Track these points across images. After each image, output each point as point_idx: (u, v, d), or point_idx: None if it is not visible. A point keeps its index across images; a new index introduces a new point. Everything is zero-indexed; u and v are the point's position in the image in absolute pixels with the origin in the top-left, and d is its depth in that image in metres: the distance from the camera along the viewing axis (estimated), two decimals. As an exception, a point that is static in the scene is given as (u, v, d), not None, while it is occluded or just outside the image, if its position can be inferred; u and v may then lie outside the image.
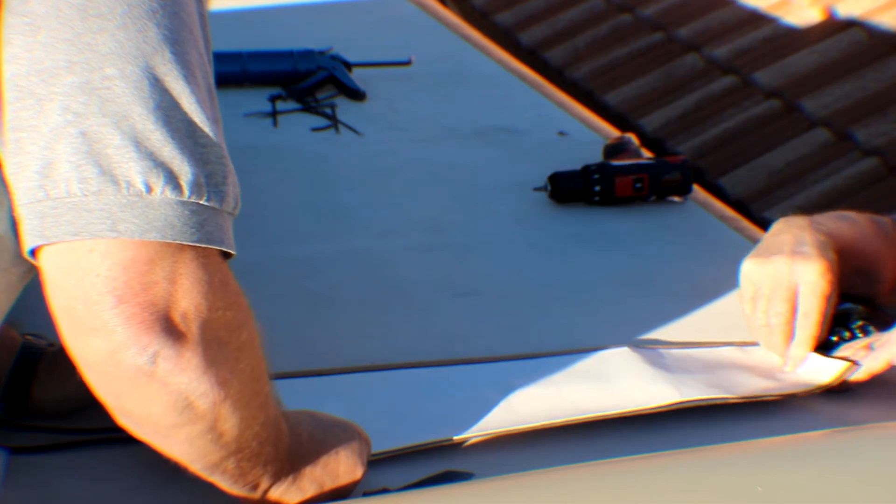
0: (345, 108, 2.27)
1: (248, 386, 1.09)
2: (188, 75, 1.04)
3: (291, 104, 2.29)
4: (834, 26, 3.59)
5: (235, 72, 2.32)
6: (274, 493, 1.18)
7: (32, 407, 1.37)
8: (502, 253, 1.83)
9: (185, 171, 1.03)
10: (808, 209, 2.91)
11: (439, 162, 2.11)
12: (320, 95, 2.31)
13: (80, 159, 1.01)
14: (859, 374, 1.47)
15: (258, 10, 2.78)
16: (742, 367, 1.51)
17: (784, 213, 3.03)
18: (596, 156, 2.03)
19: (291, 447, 1.19)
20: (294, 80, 2.33)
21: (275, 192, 1.98)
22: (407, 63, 2.43)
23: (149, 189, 1.02)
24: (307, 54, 2.36)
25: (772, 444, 1.30)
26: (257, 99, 2.29)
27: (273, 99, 2.29)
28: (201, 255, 1.04)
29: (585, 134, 2.22)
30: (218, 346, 1.05)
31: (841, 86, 3.35)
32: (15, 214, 1.05)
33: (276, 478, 1.18)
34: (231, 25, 2.52)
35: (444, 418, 1.39)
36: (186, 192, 1.03)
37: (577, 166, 1.96)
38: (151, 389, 1.04)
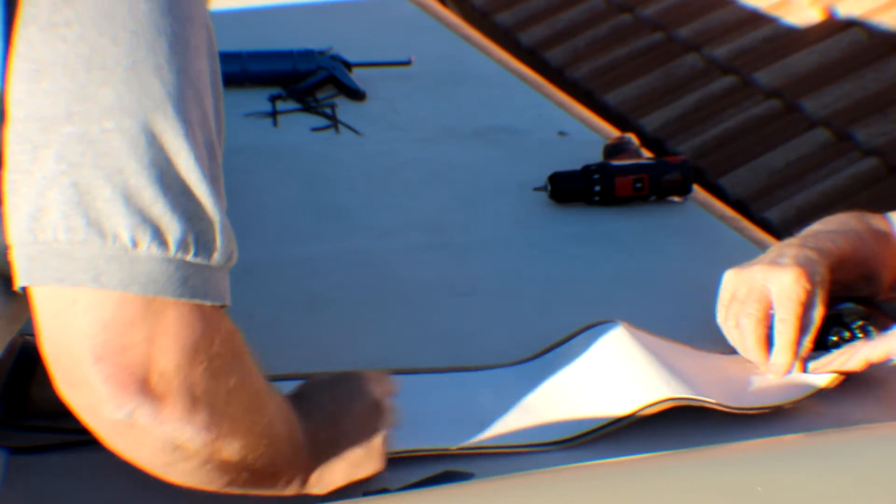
0: (345, 108, 2.27)
1: (242, 421, 1.10)
2: (188, 133, 1.05)
3: (291, 104, 2.29)
4: (834, 26, 3.59)
5: (235, 72, 2.32)
6: (302, 487, 1.20)
7: (32, 407, 1.37)
8: (502, 253, 1.83)
9: (173, 229, 1.04)
10: (808, 209, 2.92)
11: (439, 162, 2.11)
12: (320, 95, 2.31)
13: (70, 209, 1.02)
14: (856, 363, 1.47)
15: (258, 10, 2.78)
16: (732, 372, 1.51)
17: (784, 213, 3.03)
18: (596, 156, 2.03)
19: (313, 443, 1.21)
20: (294, 80, 2.33)
21: (275, 192, 1.98)
22: (407, 63, 2.43)
23: (135, 244, 1.02)
24: (307, 54, 2.36)
25: (772, 444, 1.30)
26: (257, 99, 2.29)
27: (273, 99, 2.29)
28: (184, 310, 1.05)
29: (585, 134, 2.22)
30: (205, 395, 1.06)
31: (841, 86, 3.35)
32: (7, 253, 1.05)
33: (303, 472, 1.20)
34: (231, 25, 2.51)
35: (442, 425, 1.39)
36: (172, 248, 1.04)
37: (577, 166, 1.96)
38: (135, 437, 1.06)
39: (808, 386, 1.47)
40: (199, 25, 1.08)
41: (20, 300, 1.08)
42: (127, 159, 1.02)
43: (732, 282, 1.54)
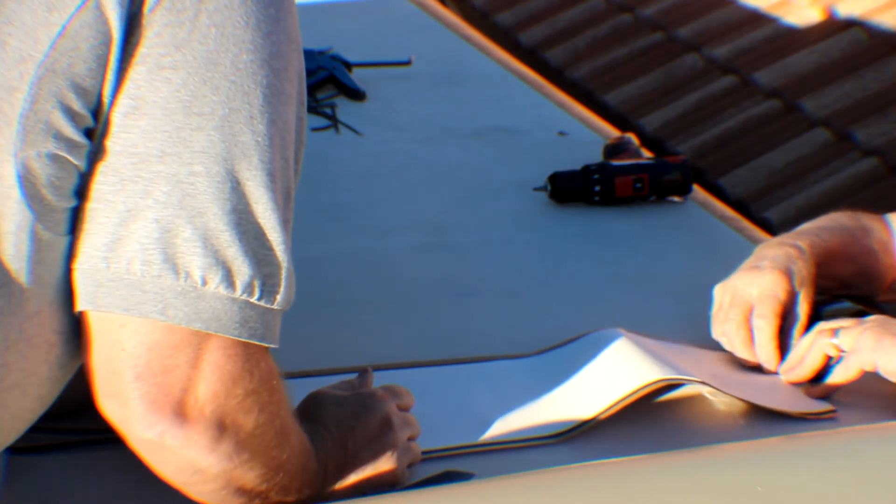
0: (345, 108, 2.27)
1: (264, 455, 1.13)
2: (269, 182, 1.09)
3: (291, 104, 2.28)
4: (834, 26, 3.59)
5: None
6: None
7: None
8: (502, 253, 1.83)
9: (242, 273, 1.08)
10: (808, 209, 2.92)
11: (439, 162, 2.11)
12: (320, 95, 2.31)
13: (150, 243, 1.06)
14: (834, 379, 1.48)
15: (258, 10, 2.78)
16: (730, 368, 1.52)
17: (784, 213, 3.03)
18: (596, 156, 2.03)
19: (325, 470, 1.22)
20: (294, 80, 2.33)
21: (275, 192, 1.97)
22: (407, 63, 2.43)
23: (204, 282, 1.06)
24: (307, 54, 2.35)
25: (772, 444, 1.30)
26: (257, 99, 2.28)
27: (273, 99, 2.28)
28: (230, 344, 1.08)
29: (585, 134, 2.22)
30: (233, 426, 1.10)
31: (841, 86, 3.35)
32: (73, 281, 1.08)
33: (318, 489, 1.21)
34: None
35: (444, 420, 1.39)
36: (239, 290, 1.08)
37: (577, 166, 1.96)
38: (161, 455, 1.10)
39: (806, 405, 1.47)
40: (293, 75, 1.12)
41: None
42: (210, 203, 1.06)
43: (718, 295, 1.57)
